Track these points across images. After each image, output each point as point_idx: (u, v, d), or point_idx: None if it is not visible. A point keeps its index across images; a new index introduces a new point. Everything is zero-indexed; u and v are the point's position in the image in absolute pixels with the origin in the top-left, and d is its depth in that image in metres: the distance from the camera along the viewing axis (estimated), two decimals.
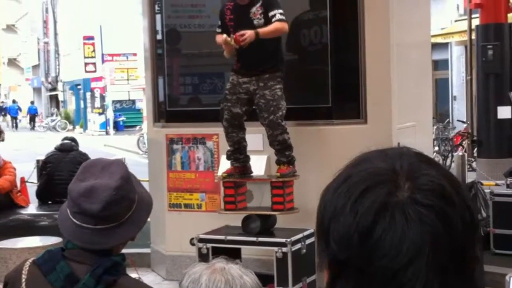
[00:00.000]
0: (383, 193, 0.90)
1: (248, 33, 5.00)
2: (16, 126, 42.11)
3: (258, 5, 5.19)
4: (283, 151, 5.30)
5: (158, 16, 6.66)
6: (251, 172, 5.54)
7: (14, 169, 7.85)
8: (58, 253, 1.97)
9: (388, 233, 0.87)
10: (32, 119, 42.56)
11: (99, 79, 35.01)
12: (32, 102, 45.50)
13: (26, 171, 8.90)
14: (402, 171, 0.92)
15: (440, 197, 0.90)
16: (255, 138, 5.66)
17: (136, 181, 2.06)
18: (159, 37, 6.67)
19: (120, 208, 1.95)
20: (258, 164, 5.70)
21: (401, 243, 0.87)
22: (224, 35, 5.15)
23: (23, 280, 1.95)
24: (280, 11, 5.12)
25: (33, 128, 41.19)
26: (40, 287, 1.93)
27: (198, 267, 1.72)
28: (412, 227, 0.87)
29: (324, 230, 0.93)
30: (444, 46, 18.72)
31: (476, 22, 10.81)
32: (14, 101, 45.44)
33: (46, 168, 7.96)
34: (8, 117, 44.43)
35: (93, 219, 1.93)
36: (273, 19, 5.10)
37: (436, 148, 14.06)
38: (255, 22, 5.16)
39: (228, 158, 5.49)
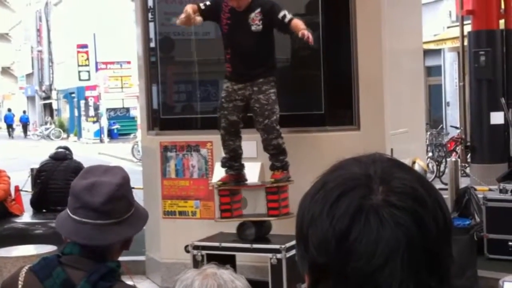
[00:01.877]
0: (357, 196, 0.93)
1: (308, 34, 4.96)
2: (12, 134, 42.29)
3: (257, 11, 5.20)
4: (277, 155, 5.31)
5: (151, 24, 6.68)
6: (246, 180, 5.55)
7: (8, 177, 7.85)
8: (54, 259, 1.99)
9: (364, 236, 0.90)
10: (24, 128, 42.78)
11: (93, 87, 35.00)
12: (24, 112, 45.70)
13: (20, 180, 8.89)
14: (375, 176, 0.95)
15: (413, 199, 0.93)
16: (249, 145, 5.68)
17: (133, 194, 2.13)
18: (152, 45, 6.69)
19: (120, 205, 2.00)
20: (252, 171, 5.71)
21: (376, 245, 0.90)
22: (198, 18, 5.15)
23: (20, 286, 1.97)
24: (286, 11, 5.14)
25: (25, 136, 41.31)
26: None
27: (190, 273, 1.74)
28: (386, 228, 0.90)
29: (303, 236, 0.96)
30: (437, 52, 18.81)
31: (468, 28, 10.87)
32: (9, 110, 45.52)
33: (40, 176, 7.97)
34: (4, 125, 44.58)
35: (94, 213, 1.97)
36: (285, 19, 5.09)
37: (430, 154, 14.10)
38: (253, 28, 5.18)
39: (223, 165, 5.50)
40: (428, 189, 0.96)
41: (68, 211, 2.02)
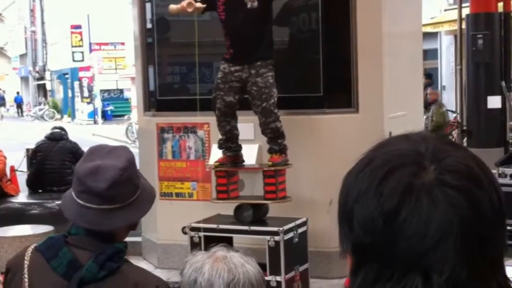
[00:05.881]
0: (408, 174, 0.88)
1: None
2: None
3: None
4: (275, 139, 5.29)
5: (148, 5, 6.61)
6: (243, 161, 5.53)
7: (5, 157, 7.81)
8: (61, 239, 1.96)
9: (414, 216, 0.86)
10: (19, 108, 43.41)
11: (87, 68, 34.82)
12: (18, 93, 45.90)
13: (16, 160, 8.85)
14: (427, 153, 0.90)
15: (468, 178, 0.88)
16: (246, 127, 5.65)
17: (140, 173, 2.07)
18: (149, 26, 6.63)
19: (125, 189, 1.95)
20: (250, 153, 5.69)
21: (427, 225, 0.85)
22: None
23: (26, 266, 1.93)
24: None
25: (21, 115, 41.74)
26: (42, 273, 1.91)
27: (200, 256, 1.71)
28: (439, 209, 0.86)
29: (347, 214, 0.91)
30: (434, 35, 18.73)
31: (466, 11, 10.80)
32: None
33: (36, 157, 7.93)
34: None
35: (98, 198, 1.92)
36: None
37: None
38: (249, 5, 5.15)
39: (219, 147, 5.48)
40: (483, 168, 0.91)
41: (73, 193, 1.97)
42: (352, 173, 0.94)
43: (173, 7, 5.31)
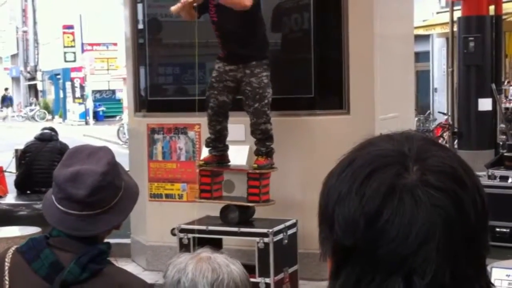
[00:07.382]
0: (390, 175, 0.86)
1: None
2: None
3: None
4: (263, 141, 5.27)
5: (139, 6, 6.59)
6: (229, 161, 5.51)
7: None
8: (43, 240, 1.92)
9: (396, 217, 0.84)
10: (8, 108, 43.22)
11: (79, 69, 34.73)
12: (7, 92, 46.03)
13: (5, 161, 8.79)
14: (410, 153, 0.88)
15: (452, 179, 0.86)
16: (238, 128, 5.63)
17: (122, 169, 2.03)
18: (140, 26, 6.60)
19: (106, 194, 1.91)
20: (240, 155, 5.67)
21: (410, 227, 0.83)
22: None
23: (6, 268, 1.89)
24: None
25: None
26: (24, 275, 1.88)
27: (183, 257, 1.68)
28: (422, 210, 0.84)
29: (328, 216, 0.89)
30: (426, 38, 18.78)
31: (457, 14, 10.83)
32: None
33: (25, 157, 7.87)
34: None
35: (78, 205, 1.89)
36: None
37: None
38: None
39: (207, 145, 5.46)
40: (467, 170, 0.89)
41: (53, 198, 1.94)
42: (333, 174, 0.91)
43: (174, 7, 5.28)
